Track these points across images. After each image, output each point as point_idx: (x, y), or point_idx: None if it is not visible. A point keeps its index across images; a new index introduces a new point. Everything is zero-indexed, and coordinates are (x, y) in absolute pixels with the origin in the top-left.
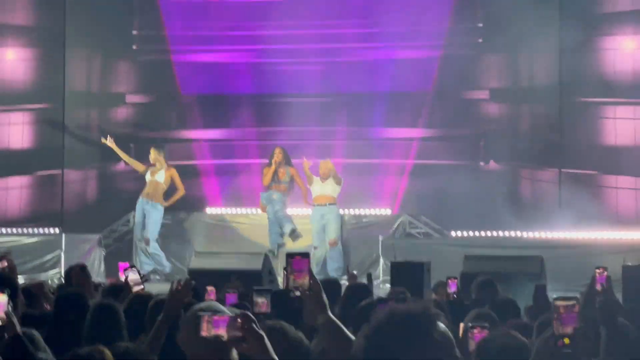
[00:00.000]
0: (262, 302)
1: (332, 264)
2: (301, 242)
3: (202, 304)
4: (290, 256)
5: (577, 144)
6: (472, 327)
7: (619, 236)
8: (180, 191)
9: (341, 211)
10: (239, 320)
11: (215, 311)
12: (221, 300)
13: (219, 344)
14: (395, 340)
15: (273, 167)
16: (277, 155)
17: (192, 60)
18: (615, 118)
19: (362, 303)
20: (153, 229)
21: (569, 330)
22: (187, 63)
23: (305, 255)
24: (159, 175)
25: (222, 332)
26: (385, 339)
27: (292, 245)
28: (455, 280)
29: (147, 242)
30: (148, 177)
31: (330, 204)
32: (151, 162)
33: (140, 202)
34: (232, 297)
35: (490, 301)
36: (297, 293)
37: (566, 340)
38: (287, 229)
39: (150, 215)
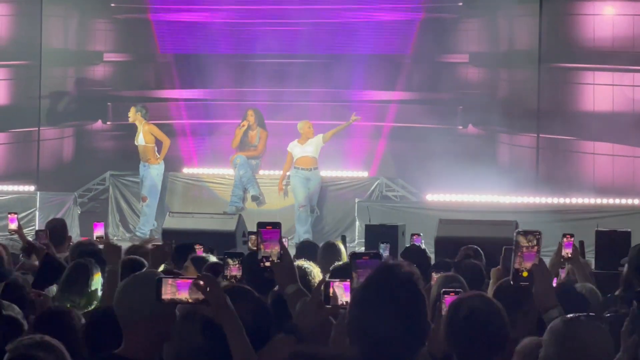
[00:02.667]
0: (233, 266)
1: (303, 226)
2: (284, 201)
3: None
4: (260, 226)
5: (555, 110)
6: (446, 293)
7: (594, 201)
8: (166, 142)
9: (322, 174)
10: (200, 282)
11: (177, 274)
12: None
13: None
14: (384, 293)
15: (242, 129)
16: (249, 116)
17: (170, 19)
18: (594, 84)
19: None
20: (148, 188)
21: (528, 265)
22: (166, 22)
23: (276, 226)
24: (140, 138)
25: (185, 295)
26: (375, 292)
27: (253, 205)
28: (419, 237)
29: (144, 200)
30: (142, 141)
31: (314, 168)
32: (130, 121)
33: (140, 166)
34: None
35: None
36: (267, 263)
37: (524, 274)
38: (251, 193)
39: (146, 177)
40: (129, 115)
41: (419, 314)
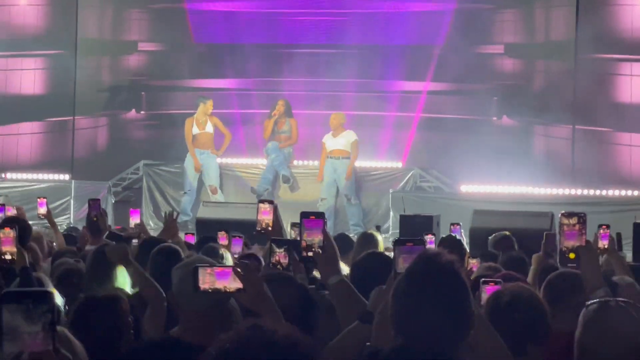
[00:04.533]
0: (280, 253)
1: (351, 219)
2: (310, 194)
3: (191, 258)
4: (304, 215)
5: (591, 101)
6: (486, 282)
7: (631, 193)
8: (227, 136)
9: (357, 164)
10: (239, 270)
11: (213, 264)
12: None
13: (219, 295)
14: (426, 282)
15: (272, 119)
16: (279, 107)
17: (205, 8)
18: (631, 75)
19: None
20: (215, 178)
21: (571, 244)
22: (200, 11)
23: (320, 216)
24: (209, 126)
25: (224, 284)
26: (417, 281)
27: (288, 196)
28: (458, 226)
29: (215, 191)
30: (196, 129)
31: (343, 157)
32: (207, 112)
33: (196, 154)
34: (238, 242)
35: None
36: (310, 253)
37: (571, 255)
38: (282, 173)
39: (211, 166)
40: (208, 108)
41: (463, 302)
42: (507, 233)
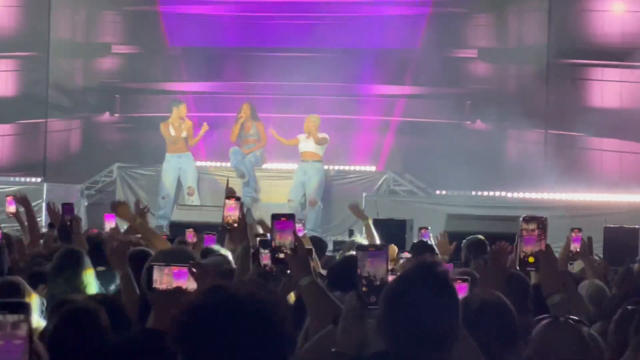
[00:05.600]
0: (265, 254)
1: (307, 223)
2: (283, 197)
3: (166, 249)
4: (274, 217)
5: (563, 106)
6: (454, 280)
7: (602, 198)
8: (196, 139)
9: (325, 167)
10: (194, 270)
11: (169, 263)
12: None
13: (173, 296)
14: (422, 290)
15: (238, 123)
16: (245, 110)
17: (179, 11)
18: (602, 80)
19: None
20: (194, 178)
21: (529, 249)
22: (174, 14)
23: (290, 217)
24: (185, 130)
25: (182, 284)
26: (412, 289)
27: (267, 200)
28: (427, 231)
29: (193, 193)
30: (173, 132)
31: (314, 161)
32: (181, 117)
33: (170, 158)
34: (210, 239)
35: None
36: (282, 255)
37: (530, 259)
38: (239, 167)
39: (188, 168)
40: (182, 112)
41: (453, 313)
42: (481, 237)
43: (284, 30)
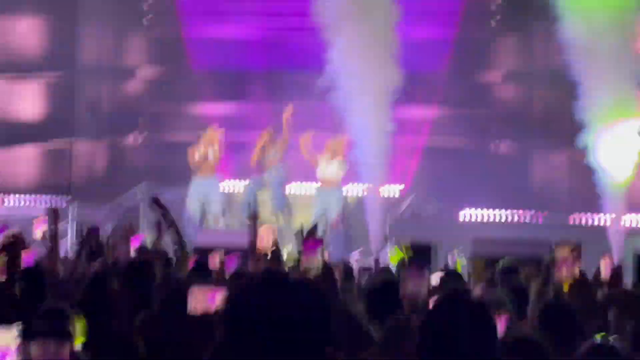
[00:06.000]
0: None
1: (331, 246)
2: (305, 219)
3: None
4: (302, 238)
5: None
6: (495, 312)
7: (629, 221)
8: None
9: (354, 190)
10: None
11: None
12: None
13: None
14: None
15: (258, 148)
16: (264, 137)
17: (204, 35)
18: None
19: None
20: (219, 202)
21: (563, 276)
22: (198, 38)
23: (318, 238)
24: (210, 153)
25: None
26: (449, 318)
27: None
28: (453, 255)
29: (218, 220)
30: (198, 157)
31: (333, 189)
32: (208, 140)
33: (196, 182)
34: (232, 261)
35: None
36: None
37: (565, 286)
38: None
39: (214, 192)
40: (212, 136)
41: (492, 343)
42: (514, 260)
43: (310, 51)
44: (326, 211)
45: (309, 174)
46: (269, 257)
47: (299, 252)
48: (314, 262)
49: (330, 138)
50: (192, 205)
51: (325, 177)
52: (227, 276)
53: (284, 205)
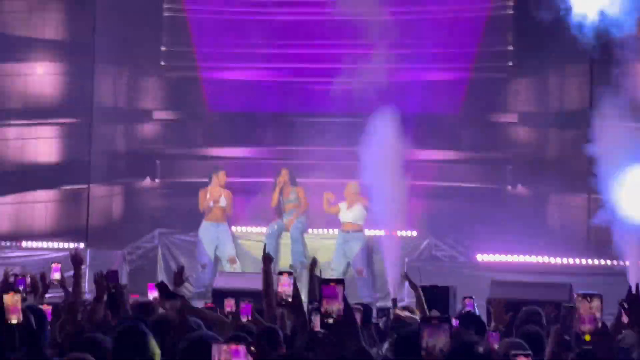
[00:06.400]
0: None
1: (362, 292)
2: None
3: None
4: (323, 282)
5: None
6: (515, 355)
7: None
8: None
9: (367, 234)
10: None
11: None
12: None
13: None
14: None
15: (277, 189)
16: (283, 176)
17: (219, 77)
18: None
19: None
20: (232, 247)
21: (587, 328)
22: (215, 80)
23: (339, 282)
24: (222, 199)
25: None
26: None
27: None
28: (472, 300)
29: (234, 261)
30: (209, 202)
31: (354, 231)
32: (220, 184)
33: (208, 225)
34: (247, 309)
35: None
36: (331, 320)
37: (587, 337)
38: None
39: (226, 238)
40: (222, 180)
41: None
42: (537, 309)
43: (323, 95)
44: (346, 252)
45: (329, 221)
46: (288, 305)
47: (320, 297)
48: (335, 306)
49: (346, 183)
50: (206, 248)
51: (347, 221)
52: (243, 320)
53: (304, 256)
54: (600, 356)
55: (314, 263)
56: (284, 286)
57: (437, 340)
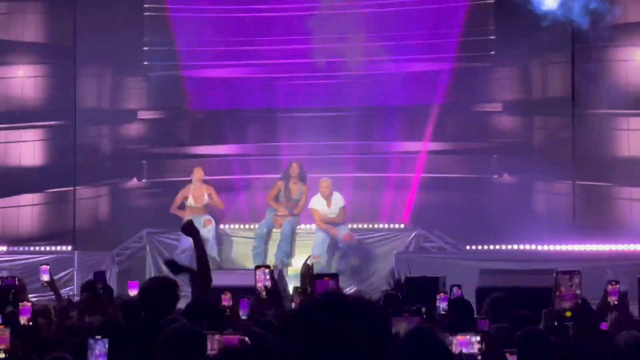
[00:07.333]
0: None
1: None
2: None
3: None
4: (317, 277)
5: (590, 156)
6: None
7: (633, 248)
8: (220, 206)
9: (358, 226)
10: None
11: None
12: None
13: None
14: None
15: (279, 185)
16: (293, 169)
17: (202, 75)
18: (628, 129)
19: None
20: (212, 245)
21: (568, 305)
22: (197, 78)
23: (334, 277)
24: (205, 197)
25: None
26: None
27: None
28: (460, 290)
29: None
30: (190, 201)
31: (336, 224)
32: (199, 179)
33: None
34: (245, 303)
35: (507, 316)
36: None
37: (567, 314)
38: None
39: (212, 233)
40: (200, 176)
41: None
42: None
43: (306, 91)
44: (331, 239)
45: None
46: (265, 296)
47: (312, 290)
48: None
49: (323, 178)
50: (186, 240)
51: (327, 217)
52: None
53: (287, 255)
54: (578, 331)
55: (308, 268)
56: (260, 280)
57: (400, 326)
